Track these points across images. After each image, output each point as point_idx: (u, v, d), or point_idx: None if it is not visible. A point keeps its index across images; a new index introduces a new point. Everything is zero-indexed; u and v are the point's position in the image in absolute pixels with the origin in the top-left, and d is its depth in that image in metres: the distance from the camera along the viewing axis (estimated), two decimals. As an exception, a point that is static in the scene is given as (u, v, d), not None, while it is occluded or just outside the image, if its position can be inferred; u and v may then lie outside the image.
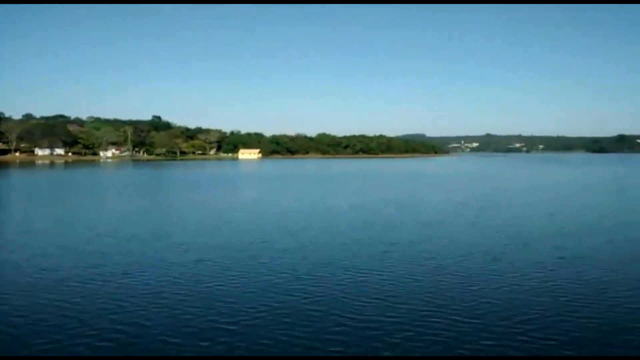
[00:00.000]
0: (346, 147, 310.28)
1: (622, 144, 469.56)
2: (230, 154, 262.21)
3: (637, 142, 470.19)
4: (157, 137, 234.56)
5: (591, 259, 18.68)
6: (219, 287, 15.18)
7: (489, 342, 10.86)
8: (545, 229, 26.01)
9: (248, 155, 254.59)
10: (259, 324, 12.07)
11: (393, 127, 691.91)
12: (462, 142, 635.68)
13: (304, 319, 12.36)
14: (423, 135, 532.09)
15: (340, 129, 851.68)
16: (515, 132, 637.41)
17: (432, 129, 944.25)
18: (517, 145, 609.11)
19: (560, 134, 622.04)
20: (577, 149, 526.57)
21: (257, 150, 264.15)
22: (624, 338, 11.04)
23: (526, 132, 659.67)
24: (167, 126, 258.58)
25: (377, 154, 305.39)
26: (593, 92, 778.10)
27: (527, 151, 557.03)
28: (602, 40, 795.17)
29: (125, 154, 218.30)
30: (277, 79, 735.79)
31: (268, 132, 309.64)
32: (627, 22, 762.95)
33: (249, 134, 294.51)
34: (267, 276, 16.43)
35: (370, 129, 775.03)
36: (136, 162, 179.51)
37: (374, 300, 13.77)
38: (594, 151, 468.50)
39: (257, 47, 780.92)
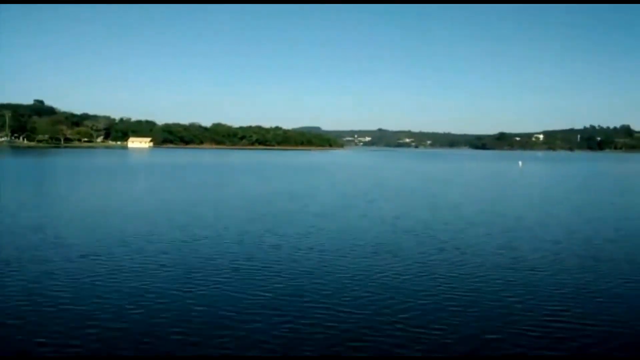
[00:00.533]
0: (242, 138, 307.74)
1: (502, 141, 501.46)
2: (119, 142, 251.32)
3: (516, 140, 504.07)
4: (39, 122, 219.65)
5: (471, 249, 19.55)
6: (93, 280, 14.30)
7: (368, 332, 10.95)
8: (430, 221, 26.94)
9: (138, 144, 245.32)
10: (137, 319, 11.45)
11: (289, 120, 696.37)
12: (356, 136, 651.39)
13: (188, 313, 11.89)
14: (319, 129, 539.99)
15: (236, 119, 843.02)
16: (406, 128, 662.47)
17: (328, 123, 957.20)
18: (407, 140, 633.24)
19: (446, 131, 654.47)
20: (462, 146, 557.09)
21: (149, 139, 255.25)
22: (494, 324, 11.57)
23: (415, 128, 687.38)
24: (51, 111, 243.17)
25: (273, 145, 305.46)
26: (476, 92, 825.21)
27: (416, 146, 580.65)
28: (487, 44, 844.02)
29: (2, 139, 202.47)
30: (171, 64, 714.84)
31: (160, 120, 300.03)
32: (508, 23, 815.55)
33: (139, 122, 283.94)
34: (140, 272, 15.70)
35: (267, 121, 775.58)
36: (15, 148, 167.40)
37: (252, 296, 13.47)
38: (477, 147, 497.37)
39: (149, 30, 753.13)
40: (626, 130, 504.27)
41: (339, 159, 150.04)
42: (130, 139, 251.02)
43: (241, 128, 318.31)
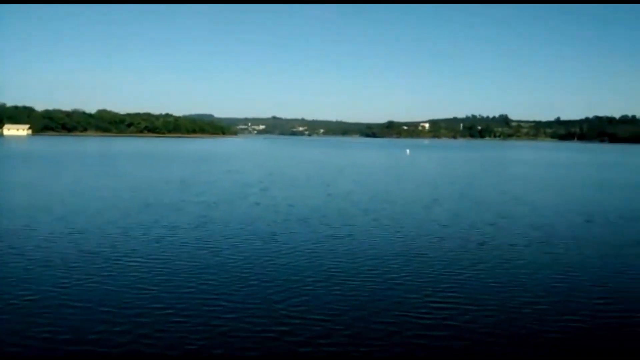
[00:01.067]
0: (129, 125, 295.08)
1: (391, 129, 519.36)
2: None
3: (404, 129, 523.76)
4: None
5: (362, 236, 19.80)
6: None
7: (242, 324, 10.66)
8: (323, 209, 27.05)
9: (15, 131, 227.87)
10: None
11: (180, 106, 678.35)
12: (250, 124, 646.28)
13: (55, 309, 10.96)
14: (211, 116, 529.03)
15: (123, 105, 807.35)
16: (299, 116, 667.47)
17: (221, 110, 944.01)
18: (301, 128, 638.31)
19: (339, 119, 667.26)
20: (354, 134, 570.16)
21: (27, 127, 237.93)
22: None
23: (309, 116, 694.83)
24: None
25: (163, 133, 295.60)
26: (366, 82, 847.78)
27: (310, 134, 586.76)
28: (375, 33, 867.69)
29: None
30: (47, 44, 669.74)
31: (40, 106, 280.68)
32: (393, 15, 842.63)
33: (16, 107, 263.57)
34: None
35: (156, 108, 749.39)
36: None
37: (134, 289, 12.77)
38: (368, 136, 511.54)
39: (15, 8, 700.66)
40: (504, 120, 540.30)
41: (232, 147, 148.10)
42: (6, 126, 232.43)
43: (128, 115, 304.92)
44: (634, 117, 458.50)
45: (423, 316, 11.32)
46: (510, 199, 33.16)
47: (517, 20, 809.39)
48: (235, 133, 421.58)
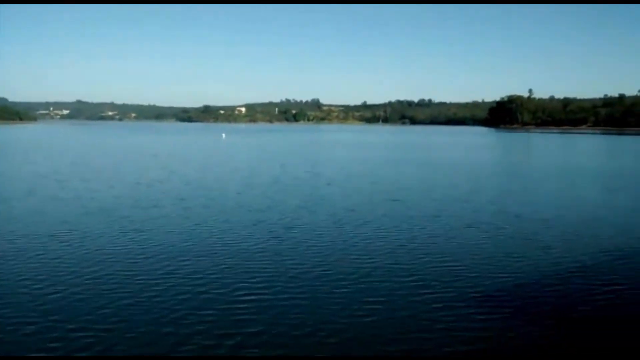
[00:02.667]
0: None
1: (207, 114, 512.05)
2: None
3: (221, 113, 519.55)
4: None
5: (172, 227, 18.83)
6: None
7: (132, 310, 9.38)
8: (136, 200, 25.37)
9: None
10: None
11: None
12: (52, 109, 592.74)
13: None
14: (5, 100, 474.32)
15: None
16: (108, 100, 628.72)
17: (16, 93, 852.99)
18: (110, 113, 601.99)
19: (152, 103, 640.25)
20: (169, 118, 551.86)
21: None
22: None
23: (119, 100, 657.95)
24: None
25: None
26: (181, 64, 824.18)
27: (120, 119, 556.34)
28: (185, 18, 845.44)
29: None
30: None
31: None
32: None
33: None
34: None
35: None
36: None
37: None
38: (184, 120, 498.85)
39: None
40: (316, 104, 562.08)
41: (26, 135, 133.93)
42: None
43: None
44: (430, 100, 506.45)
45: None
46: (324, 182, 34.17)
47: (324, 9, 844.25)
48: (34, 119, 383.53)
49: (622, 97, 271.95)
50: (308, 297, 11.71)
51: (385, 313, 10.80)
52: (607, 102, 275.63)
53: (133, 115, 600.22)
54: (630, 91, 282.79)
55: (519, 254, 15.38)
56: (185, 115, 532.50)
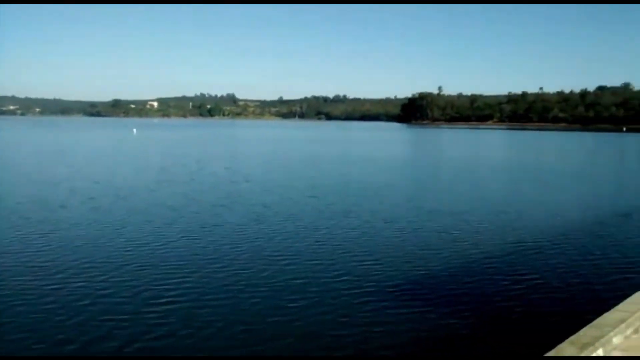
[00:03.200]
0: None
1: (117, 108, 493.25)
2: None
3: (132, 107, 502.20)
4: None
5: (77, 229, 17.93)
6: None
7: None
8: (31, 202, 23.97)
9: None
10: None
11: None
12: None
13: None
14: None
15: None
16: (9, 94, 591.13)
17: None
18: (12, 107, 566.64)
19: (57, 97, 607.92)
20: (76, 113, 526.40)
21: None
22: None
23: (21, 93, 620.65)
24: None
25: None
26: (88, 57, 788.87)
27: (23, 114, 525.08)
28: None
29: None
30: None
31: None
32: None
33: None
34: None
35: None
36: None
37: None
38: (92, 115, 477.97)
39: None
40: (232, 99, 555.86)
41: None
42: None
43: None
44: (345, 97, 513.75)
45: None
46: (242, 179, 33.78)
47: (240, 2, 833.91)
48: None
49: (524, 94, 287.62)
50: (223, 296, 11.48)
51: (301, 310, 10.77)
52: (511, 99, 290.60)
53: (37, 110, 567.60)
54: (532, 88, 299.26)
55: (432, 248, 15.83)
56: (94, 110, 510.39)
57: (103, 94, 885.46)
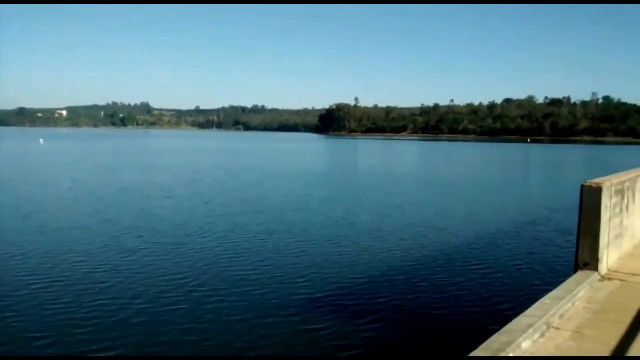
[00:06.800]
0: None
1: (23, 117, 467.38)
2: None
3: (38, 116, 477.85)
4: None
5: None
6: None
7: None
8: None
9: None
10: None
11: None
12: None
13: None
14: None
15: None
16: None
17: None
18: None
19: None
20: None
21: None
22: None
23: None
24: None
25: None
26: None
27: None
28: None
29: None
30: None
31: None
32: None
33: None
34: None
35: None
36: None
37: None
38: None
39: None
40: (146, 108, 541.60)
41: None
42: None
43: None
44: (263, 106, 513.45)
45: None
46: (159, 194, 32.80)
47: (155, 8, 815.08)
48: None
49: (436, 106, 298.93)
50: (135, 310, 11.02)
51: (221, 324, 10.51)
52: (424, 110, 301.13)
53: None
54: (443, 101, 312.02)
55: (347, 261, 15.92)
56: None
57: (6, 102, 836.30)
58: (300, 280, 13.63)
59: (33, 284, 12.93)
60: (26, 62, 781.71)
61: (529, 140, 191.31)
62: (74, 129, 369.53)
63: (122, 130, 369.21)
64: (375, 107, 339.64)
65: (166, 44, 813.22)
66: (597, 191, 7.93)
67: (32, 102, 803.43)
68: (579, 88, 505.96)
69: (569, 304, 6.75)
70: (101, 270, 14.23)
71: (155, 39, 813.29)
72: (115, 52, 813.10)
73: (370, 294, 12.65)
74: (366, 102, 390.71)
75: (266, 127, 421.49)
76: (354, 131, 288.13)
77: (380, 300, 12.24)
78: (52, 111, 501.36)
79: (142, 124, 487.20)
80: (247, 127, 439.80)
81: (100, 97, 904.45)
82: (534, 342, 5.66)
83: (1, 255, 15.53)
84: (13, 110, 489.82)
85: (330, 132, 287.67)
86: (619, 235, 8.95)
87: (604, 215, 8.03)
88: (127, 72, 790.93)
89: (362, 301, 12.12)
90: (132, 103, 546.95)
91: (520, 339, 5.40)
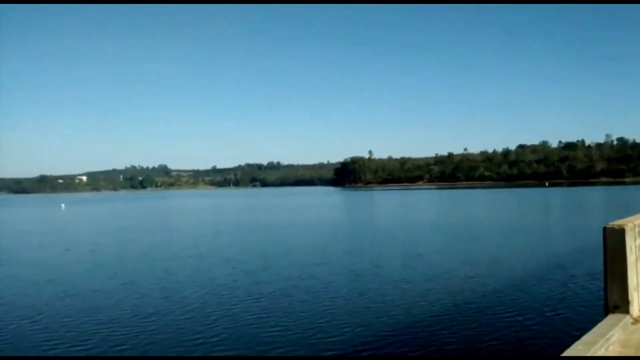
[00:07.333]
0: None
1: (44, 184, 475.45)
2: None
3: (59, 182, 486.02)
4: None
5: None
6: None
7: None
8: None
9: None
10: None
11: None
12: None
13: None
14: None
15: None
16: None
17: None
18: None
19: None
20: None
21: None
22: None
23: None
24: None
25: None
26: (15, 132, 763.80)
27: None
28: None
29: None
30: None
31: None
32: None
33: None
34: None
35: None
36: None
37: None
38: (17, 192, 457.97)
39: None
40: (164, 170, 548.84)
41: None
42: None
43: None
44: (279, 163, 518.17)
45: None
46: (179, 253, 33.04)
47: (164, 66, 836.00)
48: None
49: (450, 155, 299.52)
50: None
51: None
52: (438, 160, 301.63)
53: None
54: (457, 149, 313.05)
55: (377, 315, 15.87)
56: (19, 186, 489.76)
57: (28, 170, 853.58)
58: (327, 337, 13.59)
59: (52, 349, 13.07)
60: (46, 132, 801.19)
61: (547, 184, 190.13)
62: (95, 193, 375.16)
63: (141, 193, 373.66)
64: (390, 158, 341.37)
65: (180, 105, 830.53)
66: (620, 233, 7.91)
67: (52, 169, 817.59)
68: (591, 131, 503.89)
69: (602, 349, 6.71)
70: (121, 333, 14.33)
71: (168, 101, 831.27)
72: (132, 118, 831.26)
73: (400, 348, 12.57)
74: (379, 153, 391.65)
75: (283, 183, 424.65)
76: (370, 183, 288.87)
77: (411, 355, 12.15)
78: (72, 177, 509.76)
79: (160, 186, 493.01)
80: (264, 184, 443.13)
81: (119, 161, 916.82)
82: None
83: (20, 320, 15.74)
84: (35, 177, 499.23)
85: (347, 185, 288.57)
86: (648, 277, 8.88)
87: (630, 257, 8.00)
88: (144, 136, 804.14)
89: (394, 356, 12.05)
90: (150, 166, 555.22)
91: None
